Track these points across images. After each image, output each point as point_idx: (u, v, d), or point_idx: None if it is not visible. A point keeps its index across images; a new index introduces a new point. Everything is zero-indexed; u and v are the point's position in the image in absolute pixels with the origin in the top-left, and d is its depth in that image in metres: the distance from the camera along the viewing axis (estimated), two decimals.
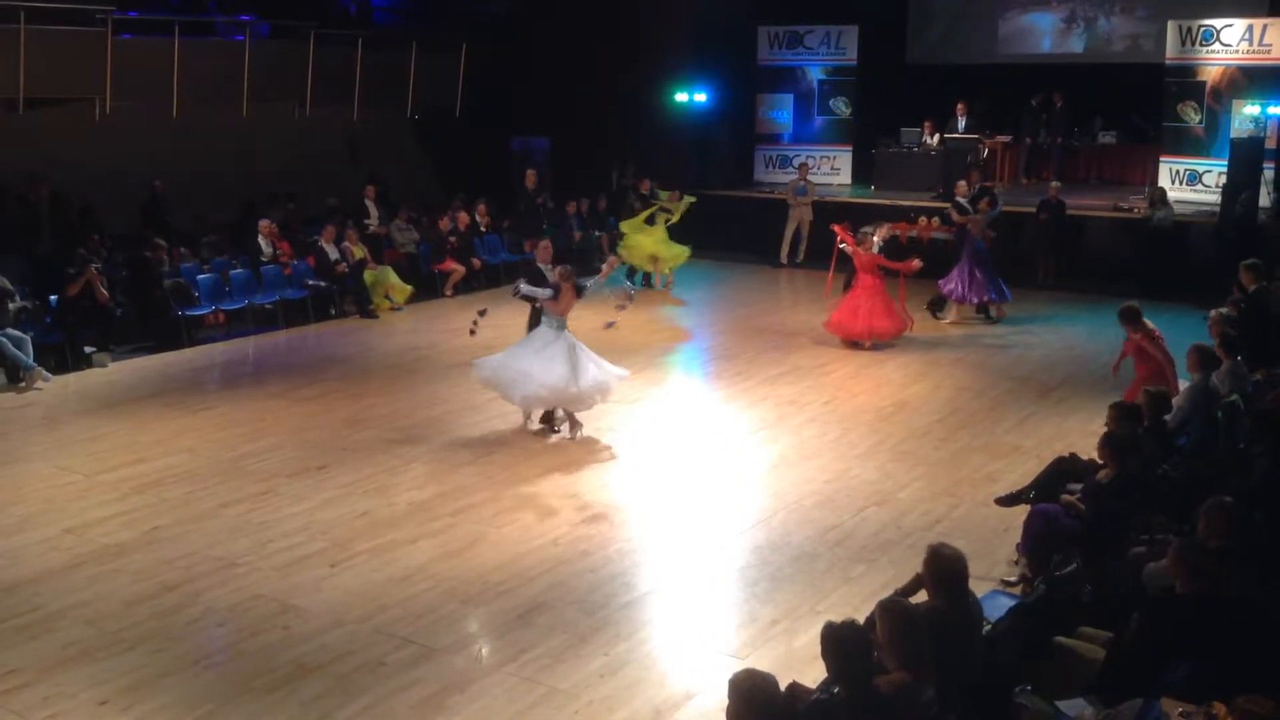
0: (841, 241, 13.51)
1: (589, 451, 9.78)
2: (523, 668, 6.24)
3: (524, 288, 10.30)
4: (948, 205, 17.13)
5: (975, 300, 14.60)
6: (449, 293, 16.19)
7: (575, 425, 10.11)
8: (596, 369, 9.95)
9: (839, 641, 4.29)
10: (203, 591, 7.11)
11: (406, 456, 9.59)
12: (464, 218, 16.76)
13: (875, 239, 13.53)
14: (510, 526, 8.17)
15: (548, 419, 10.28)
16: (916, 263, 13.50)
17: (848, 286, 13.79)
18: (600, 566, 7.51)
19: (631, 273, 16.66)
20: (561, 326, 10.07)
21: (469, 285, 16.55)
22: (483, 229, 17.56)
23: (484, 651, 6.51)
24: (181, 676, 6.14)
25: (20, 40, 13.97)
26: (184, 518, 8.28)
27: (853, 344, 13.29)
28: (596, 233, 18.94)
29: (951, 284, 14.59)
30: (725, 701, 4.17)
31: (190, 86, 15.85)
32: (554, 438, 10.11)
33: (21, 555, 7.62)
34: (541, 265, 10.58)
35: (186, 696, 5.94)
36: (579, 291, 10.14)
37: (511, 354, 10.05)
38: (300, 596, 7.05)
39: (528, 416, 10.34)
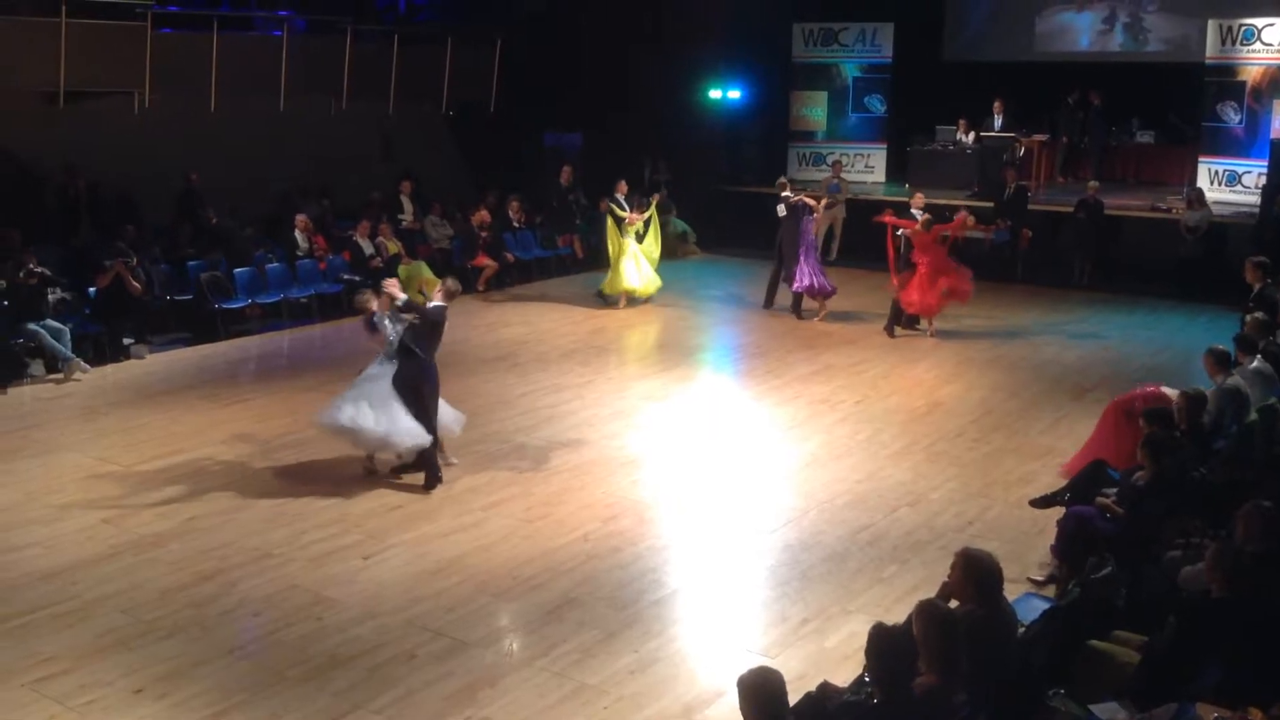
0: (898, 229, 13.52)
1: (619, 448, 9.79)
2: (553, 662, 6.26)
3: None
4: (989, 203, 17.11)
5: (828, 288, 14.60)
6: (481, 288, 16.24)
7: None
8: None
9: (885, 644, 4.28)
10: (238, 581, 7.19)
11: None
12: (485, 215, 16.71)
13: (915, 211, 13.59)
14: (541, 521, 8.20)
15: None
16: (966, 216, 13.99)
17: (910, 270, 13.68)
18: (630, 563, 7.53)
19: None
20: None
21: (501, 280, 16.60)
22: (516, 225, 17.61)
23: (515, 646, 6.55)
24: (216, 665, 6.21)
25: (61, 33, 14.12)
26: (220, 508, 8.36)
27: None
28: None
29: (807, 280, 14.50)
30: None
31: (228, 80, 15.96)
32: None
33: (59, 544, 7.72)
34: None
35: (221, 685, 6.00)
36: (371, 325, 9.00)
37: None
38: (334, 588, 7.11)
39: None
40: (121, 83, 15.07)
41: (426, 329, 8.78)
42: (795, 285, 14.69)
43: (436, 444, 8.88)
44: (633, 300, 15.44)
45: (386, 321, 8.91)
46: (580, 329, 14.37)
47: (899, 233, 13.61)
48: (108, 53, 14.82)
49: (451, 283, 9.15)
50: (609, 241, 15.62)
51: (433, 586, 7.15)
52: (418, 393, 8.70)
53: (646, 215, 15.71)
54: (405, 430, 8.63)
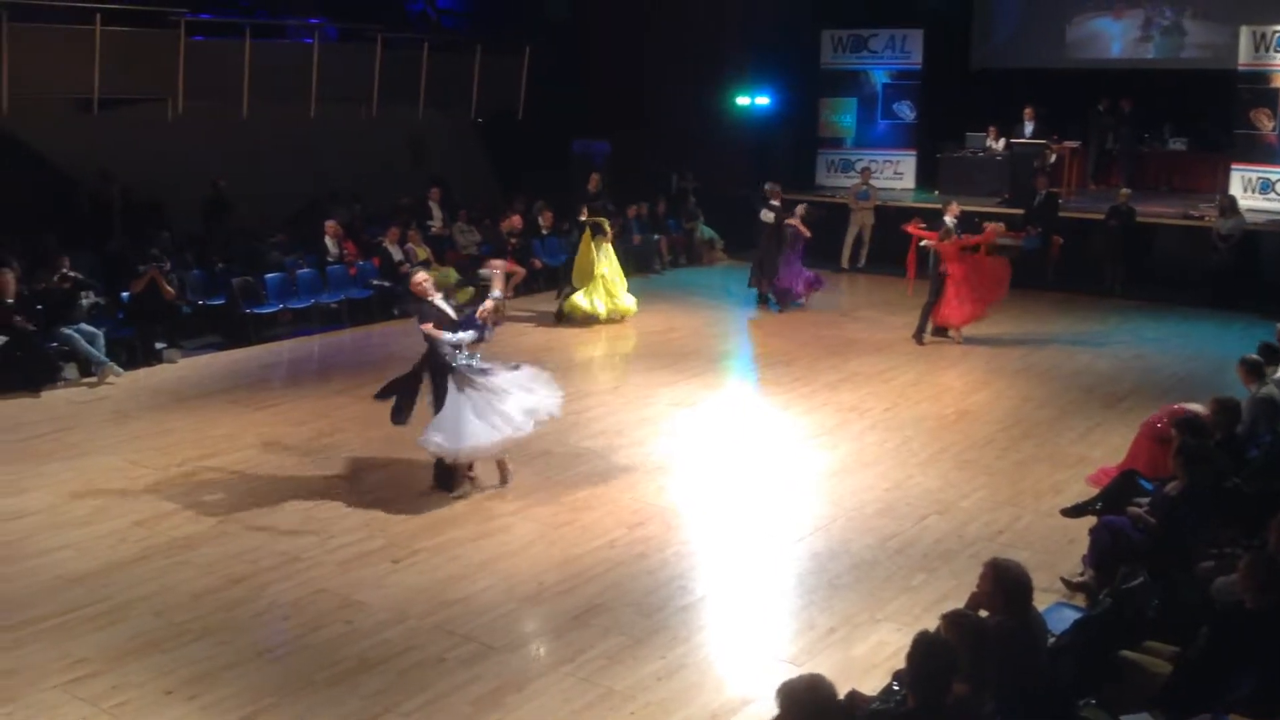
0: (922, 240, 13.47)
1: (646, 455, 9.79)
2: (579, 668, 6.26)
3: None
4: (1019, 210, 17.02)
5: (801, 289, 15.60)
6: (509, 294, 16.28)
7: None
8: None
9: (929, 653, 4.24)
10: (267, 585, 7.23)
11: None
12: (517, 221, 16.76)
13: (947, 219, 13.53)
14: (567, 527, 8.20)
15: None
16: (996, 226, 13.96)
17: (940, 283, 13.58)
18: (657, 569, 7.52)
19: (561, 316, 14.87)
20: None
21: (528, 287, 16.65)
22: (544, 231, 17.65)
23: (542, 651, 6.55)
24: (246, 668, 6.25)
25: (96, 41, 14.29)
26: (250, 512, 8.42)
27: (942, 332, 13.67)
28: (656, 236, 18.96)
29: (786, 283, 15.48)
30: None
31: (259, 88, 16.11)
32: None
33: (92, 547, 7.79)
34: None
35: (251, 688, 6.04)
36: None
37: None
38: (362, 592, 7.15)
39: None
40: (155, 90, 15.24)
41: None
42: (779, 284, 15.47)
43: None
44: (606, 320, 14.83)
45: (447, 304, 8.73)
46: (606, 335, 14.39)
47: (923, 244, 13.54)
48: (141, 60, 15.00)
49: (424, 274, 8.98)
50: (582, 258, 14.92)
51: (460, 591, 7.17)
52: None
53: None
54: (522, 415, 8.55)
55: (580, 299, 14.84)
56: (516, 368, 8.94)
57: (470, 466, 8.82)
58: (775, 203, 15.41)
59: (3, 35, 13.50)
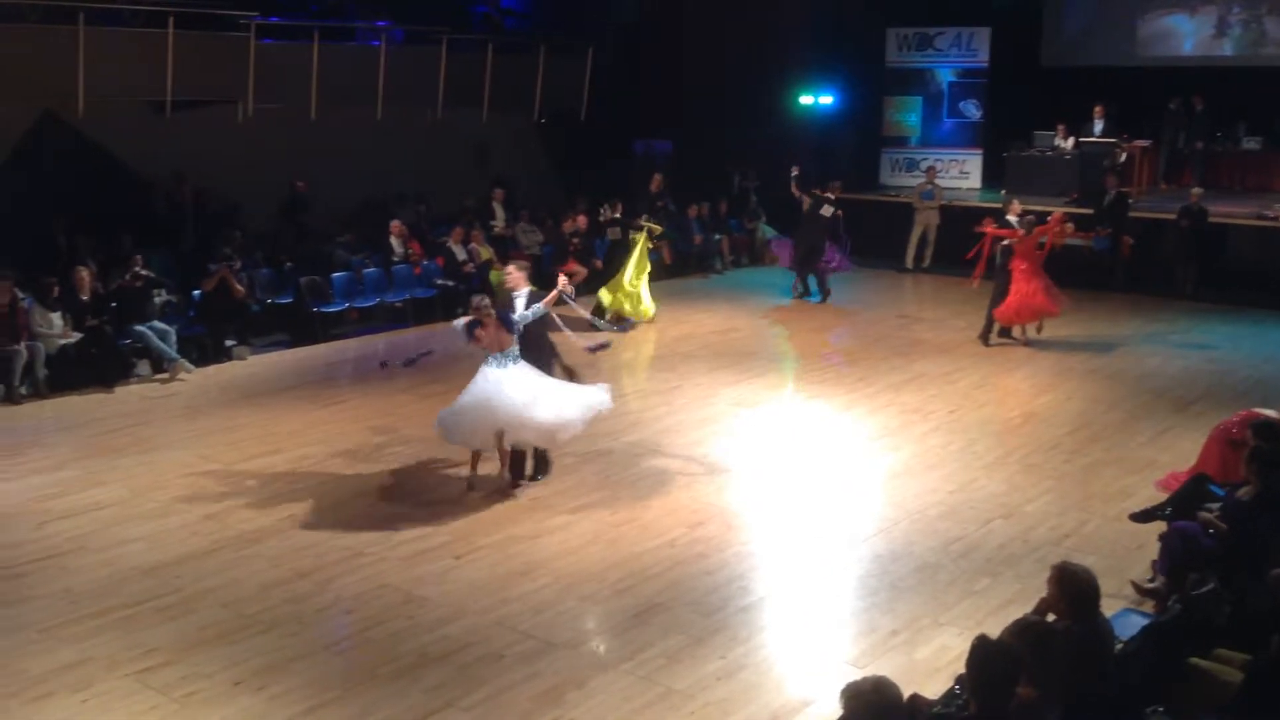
0: (1003, 240, 13.26)
1: (706, 454, 9.78)
2: (639, 666, 6.27)
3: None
4: (1088, 210, 16.76)
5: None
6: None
7: (543, 465, 9.08)
8: (560, 401, 8.65)
9: (989, 659, 4.18)
10: (333, 579, 7.34)
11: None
12: (581, 221, 16.85)
13: (1011, 218, 13.37)
14: (627, 526, 8.22)
15: (518, 470, 8.95)
16: (1061, 215, 13.87)
17: (1005, 281, 13.43)
18: (717, 569, 7.51)
19: (599, 310, 14.40)
20: (509, 360, 8.69)
21: (589, 287, 16.68)
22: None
23: (601, 649, 6.57)
24: (311, 661, 6.34)
25: (168, 45, 14.59)
26: (316, 507, 8.55)
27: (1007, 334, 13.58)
28: (717, 236, 18.94)
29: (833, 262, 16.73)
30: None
31: (328, 90, 16.34)
32: (528, 486, 8.95)
33: (164, 539, 7.96)
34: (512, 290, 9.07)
35: (316, 680, 6.13)
36: (508, 324, 8.68)
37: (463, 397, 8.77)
38: (424, 587, 7.22)
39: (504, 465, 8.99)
40: (226, 93, 15.52)
41: (543, 328, 9.02)
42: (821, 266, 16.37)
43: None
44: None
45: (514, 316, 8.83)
46: (667, 335, 14.39)
47: (1004, 243, 13.31)
48: (213, 64, 15.27)
49: (521, 261, 9.38)
50: (639, 260, 14.95)
51: (520, 588, 7.22)
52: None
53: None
54: (584, 405, 8.73)
55: (606, 295, 14.78)
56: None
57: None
58: (833, 197, 16.22)
59: (79, 39, 13.83)
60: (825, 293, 16.43)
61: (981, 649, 4.22)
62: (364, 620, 6.82)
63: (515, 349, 8.73)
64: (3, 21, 13.33)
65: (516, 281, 9.04)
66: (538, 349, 8.95)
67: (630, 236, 14.80)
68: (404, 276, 15.19)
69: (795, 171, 16.63)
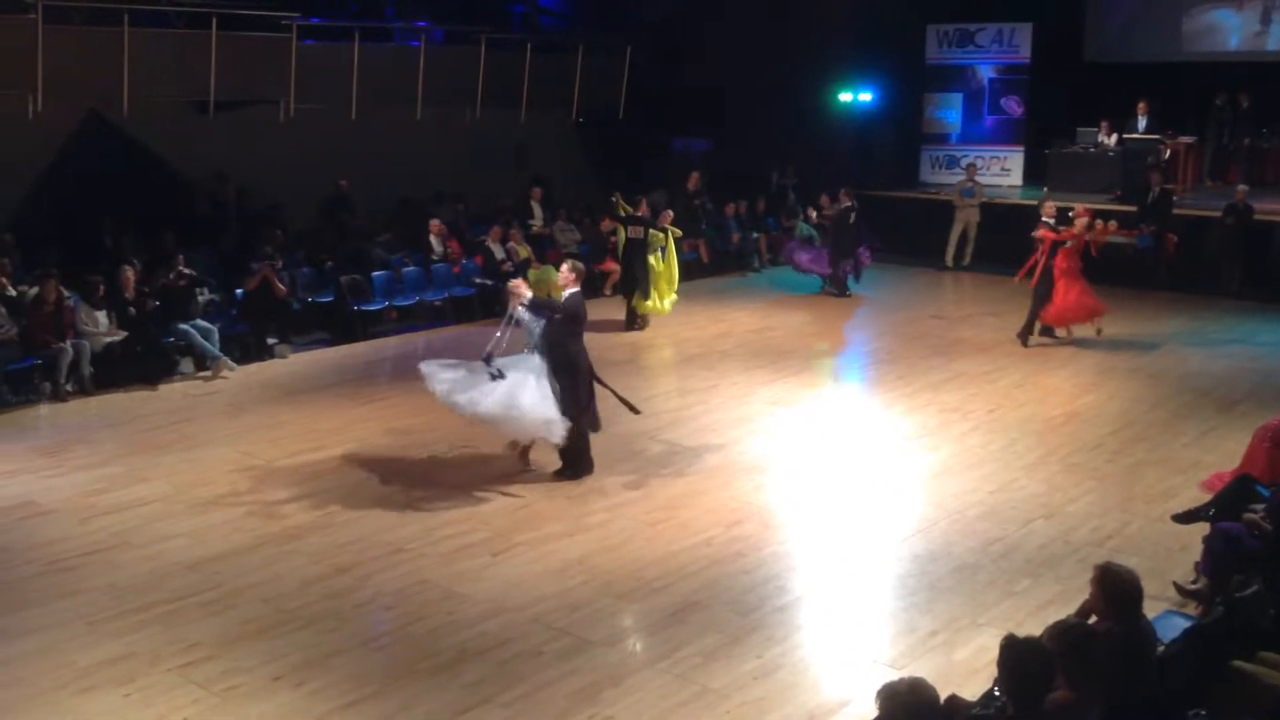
0: (1064, 241, 13.08)
1: (743, 453, 9.76)
2: (675, 665, 6.28)
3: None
4: (1132, 207, 16.57)
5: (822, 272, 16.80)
6: (608, 292, 16.37)
7: (573, 464, 9.14)
8: (518, 400, 8.72)
9: (1020, 659, 4.16)
10: (372, 575, 7.39)
11: None
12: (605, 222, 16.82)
13: (1046, 219, 13.25)
14: (664, 524, 8.23)
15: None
16: (1109, 224, 13.85)
17: (1047, 284, 13.28)
18: (754, 568, 7.50)
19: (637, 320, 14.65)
20: (528, 351, 9.02)
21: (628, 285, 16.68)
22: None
23: (638, 647, 6.58)
24: (351, 656, 6.40)
25: (211, 46, 14.75)
26: (356, 504, 8.62)
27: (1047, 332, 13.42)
28: (755, 234, 18.90)
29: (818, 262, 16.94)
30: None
31: (368, 90, 16.47)
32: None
33: (206, 534, 8.06)
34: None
35: (355, 675, 6.18)
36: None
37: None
38: (463, 584, 7.26)
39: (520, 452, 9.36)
40: (268, 93, 15.68)
41: (568, 321, 8.93)
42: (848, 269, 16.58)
43: (581, 435, 8.97)
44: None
45: (526, 316, 8.98)
46: (704, 333, 14.38)
47: (1066, 245, 13.10)
48: (255, 64, 15.44)
49: (575, 264, 9.29)
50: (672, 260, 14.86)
51: (558, 585, 7.24)
52: (570, 383, 8.83)
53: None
54: (527, 416, 8.72)
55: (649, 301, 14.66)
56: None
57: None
58: (849, 203, 16.66)
59: (124, 41, 14.02)
60: (844, 288, 16.73)
61: (1011, 648, 4.19)
62: (403, 616, 6.87)
63: (532, 342, 8.94)
64: (49, 24, 13.53)
65: (565, 280, 9.14)
66: (552, 355, 8.91)
67: (650, 236, 14.79)
68: (443, 275, 15.27)
69: (824, 202, 17.59)
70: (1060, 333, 13.45)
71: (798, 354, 13.33)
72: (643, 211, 14.73)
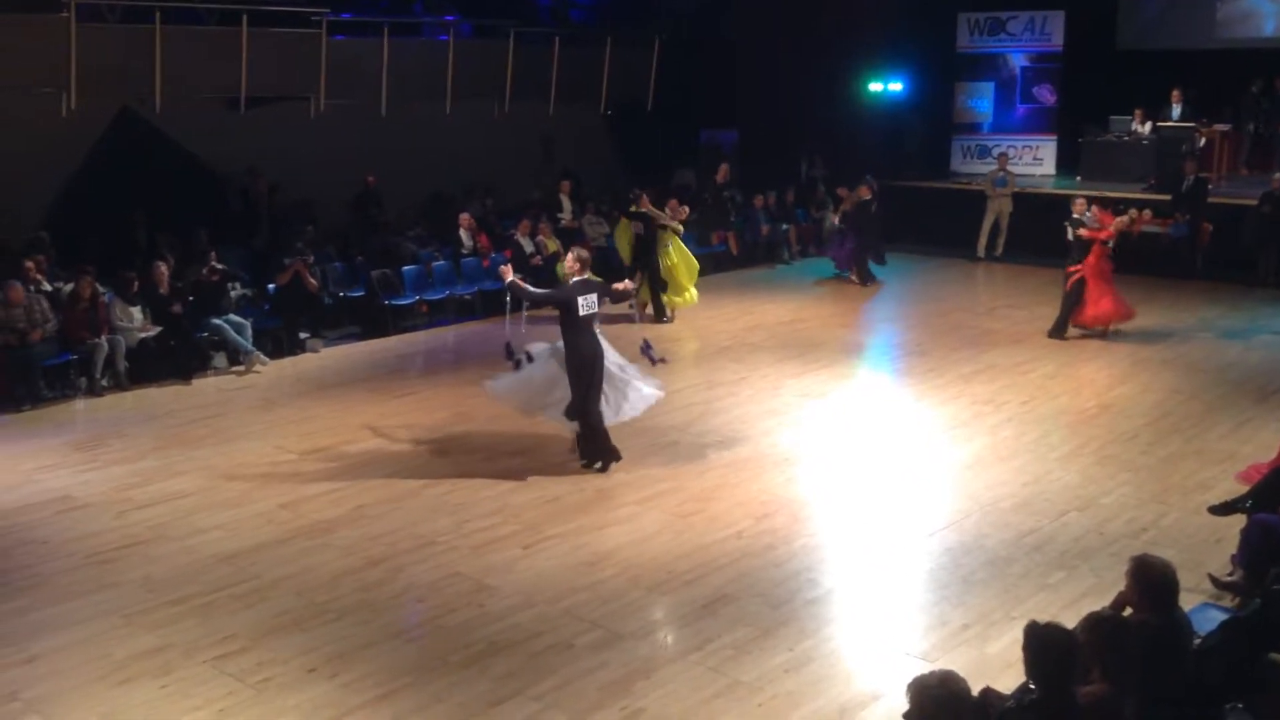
0: (1107, 240, 12.92)
1: (774, 445, 9.74)
2: (707, 657, 6.28)
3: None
4: (1166, 196, 16.37)
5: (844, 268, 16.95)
6: (636, 284, 16.35)
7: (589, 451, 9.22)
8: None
9: (1042, 642, 4.15)
10: (404, 568, 7.43)
11: None
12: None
13: (1076, 216, 13.08)
14: (695, 517, 8.22)
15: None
16: (1144, 213, 13.58)
17: (1079, 289, 13.11)
18: (785, 561, 7.48)
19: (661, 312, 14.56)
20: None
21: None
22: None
23: (669, 639, 6.58)
24: (383, 648, 6.44)
25: (243, 43, 14.85)
26: (387, 497, 8.67)
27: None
28: (784, 225, 18.83)
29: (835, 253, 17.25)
30: None
31: (397, 85, 16.52)
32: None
33: (240, 527, 8.13)
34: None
35: (388, 667, 6.22)
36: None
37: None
38: (494, 576, 7.29)
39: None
40: (299, 89, 15.76)
41: (561, 311, 8.95)
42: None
43: (592, 427, 8.99)
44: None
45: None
46: (734, 325, 14.35)
47: (1109, 245, 12.95)
48: (286, 60, 15.52)
49: (580, 252, 9.26)
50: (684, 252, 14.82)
51: (588, 578, 7.25)
52: (574, 375, 8.88)
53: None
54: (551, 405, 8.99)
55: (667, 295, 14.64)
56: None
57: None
58: (868, 196, 16.82)
59: (156, 38, 14.13)
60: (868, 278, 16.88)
61: (1034, 634, 4.18)
62: (435, 608, 6.90)
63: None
64: (83, 22, 13.65)
65: (570, 269, 9.24)
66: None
67: (658, 231, 14.77)
68: (472, 269, 15.32)
69: (842, 194, 17.56)
70: (1097, 330, 13.21)
71: (828, 346, 13.28)
72: (644, 207, 14.64)
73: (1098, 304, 12.96)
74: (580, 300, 8.78)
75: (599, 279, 9.35)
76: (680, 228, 14.83)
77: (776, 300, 15.76)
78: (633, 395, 9.14)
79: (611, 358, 9.13)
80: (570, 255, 9.33)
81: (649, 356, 9.60)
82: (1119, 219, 13.10)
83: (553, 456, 9.42)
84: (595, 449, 9.08)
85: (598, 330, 9.08)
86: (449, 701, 5.89)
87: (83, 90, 13.74)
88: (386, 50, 16.36)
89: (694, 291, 14.77)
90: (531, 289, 9.28)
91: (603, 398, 8.95)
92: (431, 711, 5.81)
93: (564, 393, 8.92)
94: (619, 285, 9.36)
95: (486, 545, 7.78)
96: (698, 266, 14.99)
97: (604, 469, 9.07)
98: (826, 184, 19.52)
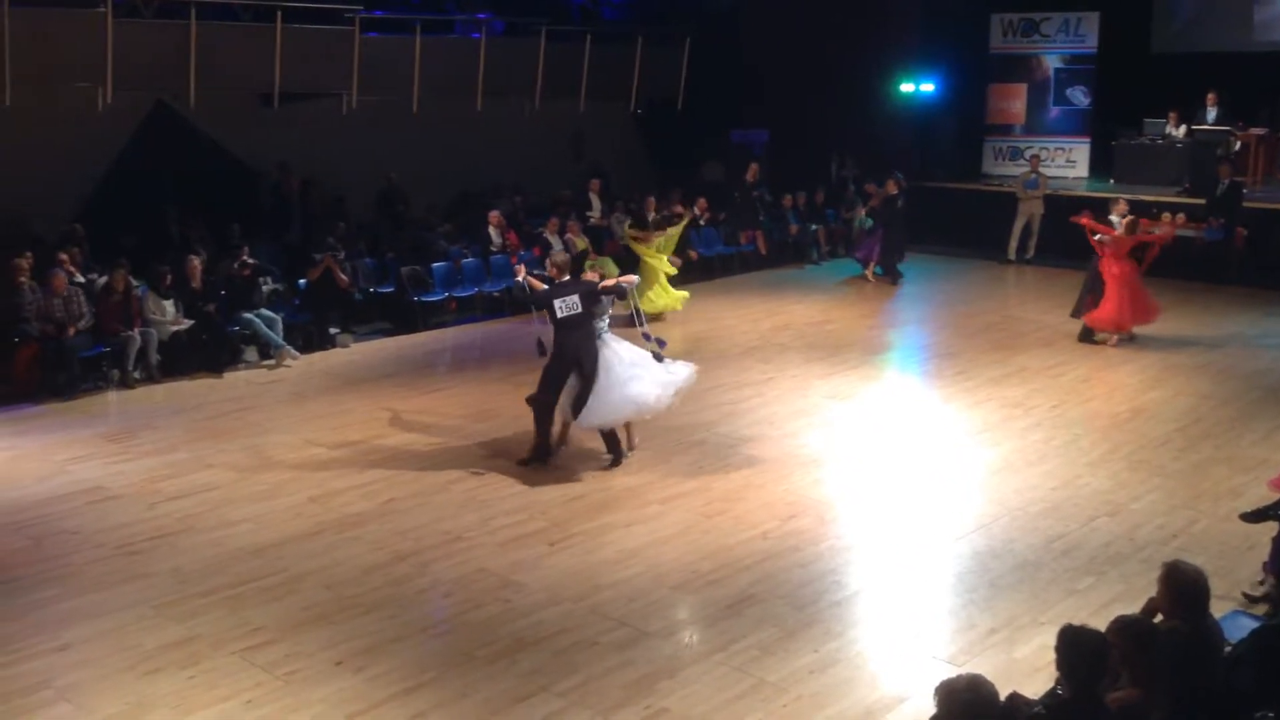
0: (1094, 233, 12.87)
1: (800, 446, 9.71)
2: (731, 658, 6.27)
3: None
4: (1200, 200, 16.22)
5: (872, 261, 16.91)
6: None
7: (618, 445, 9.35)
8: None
9: (1075, 643, 4.13)
10: (431, 563, 7.47)
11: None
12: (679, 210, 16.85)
13: (1114, 218, 12.97)
14: (720, 517, 8.21)
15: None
16: (1171, 230, 13.13)
17: (1095, 284, 13.01)
18: (810, 562, 7.47)
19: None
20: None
21: (684, 277, 16.65)
22: (701, 222, 17.68)
23: (694, 639, 6.58)
24: (410, 642, 6.47)
25: (276, 39, 14.93)
26: (415, 492, 8.71)
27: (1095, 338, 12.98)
28: (814, 226, 18.78)
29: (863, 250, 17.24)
30: None
31: (429, 82, 16.57)
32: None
33: (269, 520, 8.19)
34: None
35: (414, 661, 6.25)
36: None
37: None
38: (520, 572, 7.31)
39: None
40: (331, 85, 15.83)
41: (548, 315, 9.11)
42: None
43: (540, 421, 9.19)
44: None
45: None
46: (762, 326, 14.32)
47: (1096, 237, 12.94)
48: (319, 57, 15.58)
49: (555, 256, 9.52)
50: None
51: (613, 576, 7.26)
52: (548, 371, 9.15)
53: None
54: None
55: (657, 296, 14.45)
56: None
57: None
58: (895, 191, 16.87)
59: (191, 34, 14.24)
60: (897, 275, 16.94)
61: (1067, 634, 4.17)
62: (461, 604, 6.93)
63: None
64: (119, 18, 13.78)
65: (550, 271, 9.42)
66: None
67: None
68: (501, 267, 15.34)
69: (870, 190, 17.75)
70: (1100, 337, 13.02)
71: (856, 347, 13.23)
72: (639, 242, 14.67)
73: (1102, 307, 12.83)
74: (558, 303, 8.95)
75: (591, 281, 9.38)
76: (671, 268, 14.66)
77: (805, 300, 15.72)
78: (645, 390, 9.12)
79: (622, 358, 9.18)
80: (549, 260, 9.50)
81: (650, 341, 9.67)
82: (1125, 222, 12.93)
83: (578, 454, 9.44)
84: (536, 444, 9.22)
85: (602, 331, 9.23)
86: (474, 696, 5.91)
87: (118, 85, 13.85)
88: (418, 47, 16.42)
89: (673, 295, 14.47)
90: (533, 289, 9.44)
91: (580, 400, 9.01)
92: (457, 706, 5.84)
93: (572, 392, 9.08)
94: (608, 282, 9.44)
95: (512, 541, 7.80)
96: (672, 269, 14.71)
97: (522, 461, 9.20)
98: (856, 184, 19.45)
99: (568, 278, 9.26)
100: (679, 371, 9.43)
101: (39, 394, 11.16)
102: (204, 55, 14.39)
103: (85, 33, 13.58)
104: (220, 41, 14.68)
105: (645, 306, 14.02)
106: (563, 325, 9.01)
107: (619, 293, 9.65)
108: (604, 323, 9.35)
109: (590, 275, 9.63)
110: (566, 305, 8.95)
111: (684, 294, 14.68)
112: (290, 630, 6.59)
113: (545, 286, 9.31)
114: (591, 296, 9.11)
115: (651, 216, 15.19)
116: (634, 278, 10.34)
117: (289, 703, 5.87)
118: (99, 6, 13.56)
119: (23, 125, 13.32)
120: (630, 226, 15.01)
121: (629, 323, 10.69)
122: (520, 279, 9.35)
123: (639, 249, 14.51)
